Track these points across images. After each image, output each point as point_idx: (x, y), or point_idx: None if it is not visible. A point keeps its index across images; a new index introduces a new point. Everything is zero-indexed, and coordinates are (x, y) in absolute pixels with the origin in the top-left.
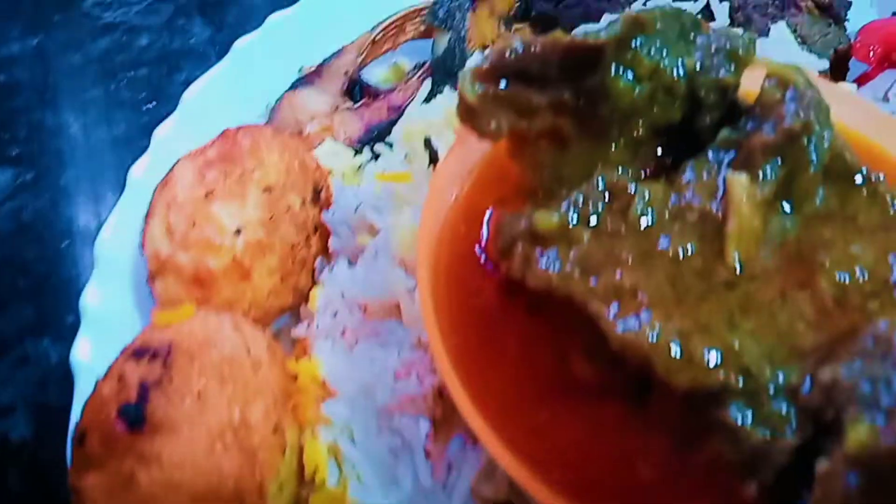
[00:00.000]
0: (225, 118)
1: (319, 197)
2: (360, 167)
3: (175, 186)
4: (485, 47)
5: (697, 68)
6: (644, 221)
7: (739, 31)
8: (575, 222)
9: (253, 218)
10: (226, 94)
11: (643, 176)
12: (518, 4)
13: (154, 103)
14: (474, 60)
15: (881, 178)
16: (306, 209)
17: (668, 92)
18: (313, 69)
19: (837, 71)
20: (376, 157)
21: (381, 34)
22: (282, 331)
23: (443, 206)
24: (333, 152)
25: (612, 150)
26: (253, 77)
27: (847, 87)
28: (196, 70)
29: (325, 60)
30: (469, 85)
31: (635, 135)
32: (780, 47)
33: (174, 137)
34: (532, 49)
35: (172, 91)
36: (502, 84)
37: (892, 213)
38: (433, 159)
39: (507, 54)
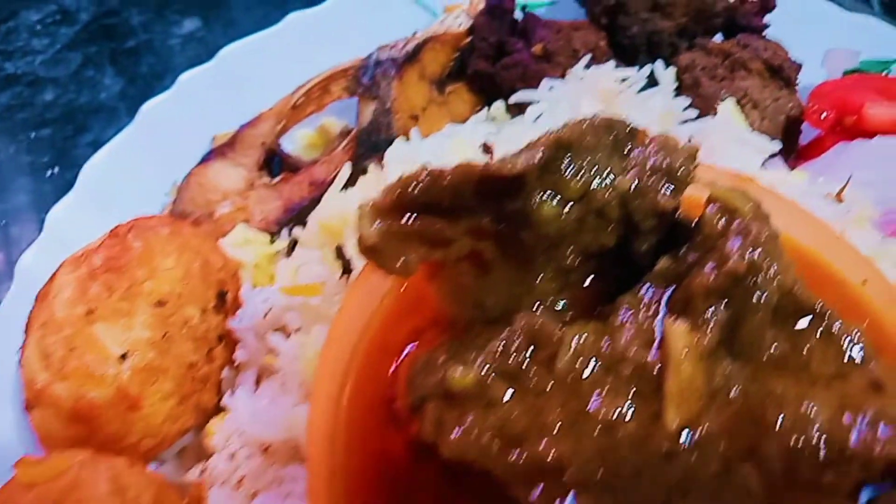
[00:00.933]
0: (127, 197)
1: (225, 301)
2: (276, 254)
3: (54, 301)
4: (414, 118)
5: (632, 189)
6: (572, 375)
7: (679, 140)
8: (493, 379)
9: (141, 339)
10: (129, 167)
11: (572, 312)
12: (452, 63)
13: (57, 168)
14: (398, 139)
15: (834, 317)
16: (208, 319)
17: (599, 215)
18: (226, 140)
19: (790, 137)
20: (293, 245)
21: (302, 98)
22: (186, 449)
23: (348, 342)
24: (246, 240)
25: (539, 278)
26: (160, 148)
27: (798, 179)
28: (105, 129)
29: (239, 129)
30: (368, 223)
31: (564, 262)
32: (728, 129)
33: (69, 220)
34: (440, 180)
35: (78, 154)
36: (408, 217)
37: (846, 358)
38: (346, 269)
39: (411, 188)
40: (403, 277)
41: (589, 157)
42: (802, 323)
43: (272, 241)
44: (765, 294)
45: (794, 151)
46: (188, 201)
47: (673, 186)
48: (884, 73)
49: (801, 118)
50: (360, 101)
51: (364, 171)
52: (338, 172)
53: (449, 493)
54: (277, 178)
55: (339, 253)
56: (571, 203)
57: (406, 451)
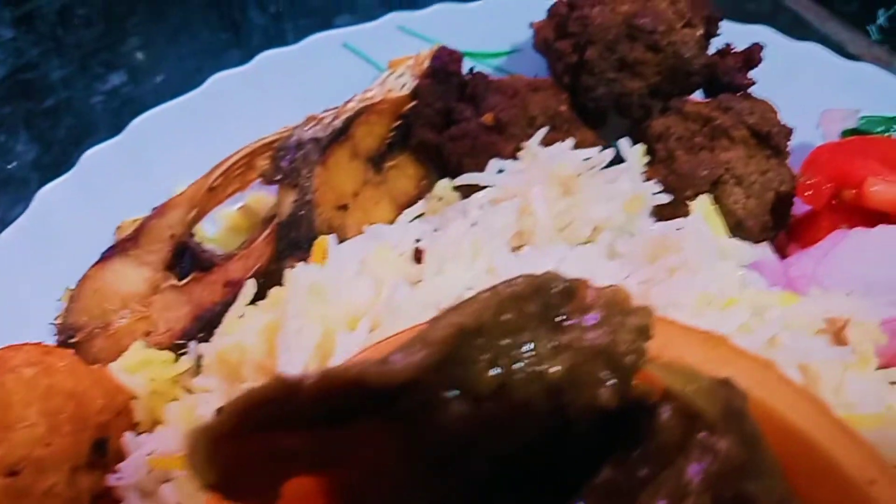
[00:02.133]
0: (12, 307)
1: (105, 451)
2: (181, 375)
3: None
4: (343, 207)
5: (564, 380)
6: None
7: (629, 300)
8: None
9: None
10: (17, 269)
11: None
12: (392, 133)
13: None
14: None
15: None
16: (78, 481)
17: (522, 413)
18: (131, 232)
19: (779, 215)
20: (198, 366)
21: (220, 179)
22: None
23: None
24: (142, 361)
25: (444, 490)
26: (55, 244)
27: (787, 305)
28: (12, 207)
29: (145, 219)
30: (201, 457)
31: (475, 469)
32: (701, 239)
33: None
34: (299, 395)
35: None
36: (257, 439)
37: None
38: None
39: (260, 408)
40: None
41: (507, 340)
42: None
43: (176, 360)
44: None
45: (784, 229)
46: (81, 312)
47: (617, 377)
48: (888, 134)
49: (792, 193)
50: (279, 189)
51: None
52: (258, 268)
53: None
54: (187, 280)
55: None
56: (483, 400)
57: None
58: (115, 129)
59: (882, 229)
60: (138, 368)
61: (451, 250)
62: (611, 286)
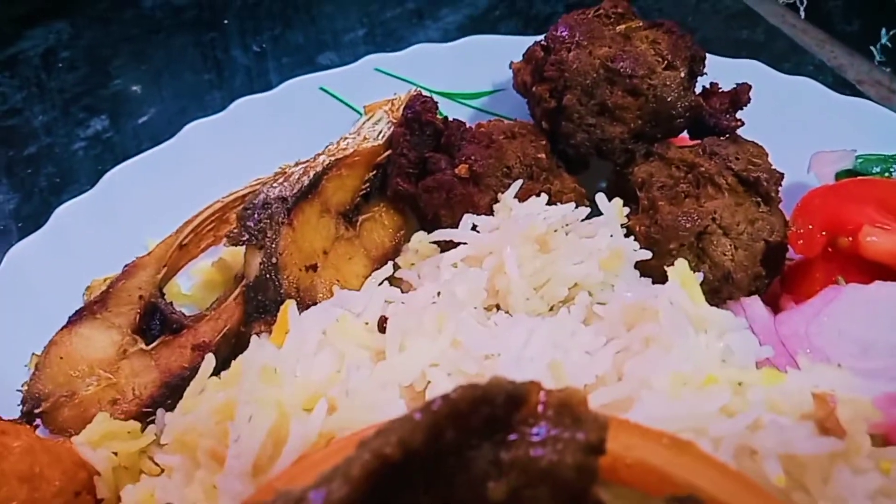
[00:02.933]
0: None
1: None
2: (146, 449)
3: None
4: (312, 267)
5: (508, 498)
6: None
7: (582, 411)
8: None
9: None
10: None
11: None
12: (366, 186)
13: None
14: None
15: None
16: None
17: None
18: (98, 294)
19: (771, 266)
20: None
21: (190, 235)
22: None
23: None
24: (106, 433)
25: None
26: (23, 307)
27: (770, 383)
28: None
29: (113, 281)
30: None
31: None
32: (676, 313)
33: None
34: None
35: None
36: None
37: None
38: None
39: None
40: None
41: (443, 463)
42: None
43: (143, 429)
44: None
45: (776, 277)
46: (47, 380)
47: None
48: (886, 175)
49: (784, 242)
50: (246, 250)
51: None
52: (226, 330)
53: None
54: (155, 343)
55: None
56: None
57: None
58: (96, 175)
59: (878, 286)
60: (102, 441)
61: (415, 322)
62: (565, 389)
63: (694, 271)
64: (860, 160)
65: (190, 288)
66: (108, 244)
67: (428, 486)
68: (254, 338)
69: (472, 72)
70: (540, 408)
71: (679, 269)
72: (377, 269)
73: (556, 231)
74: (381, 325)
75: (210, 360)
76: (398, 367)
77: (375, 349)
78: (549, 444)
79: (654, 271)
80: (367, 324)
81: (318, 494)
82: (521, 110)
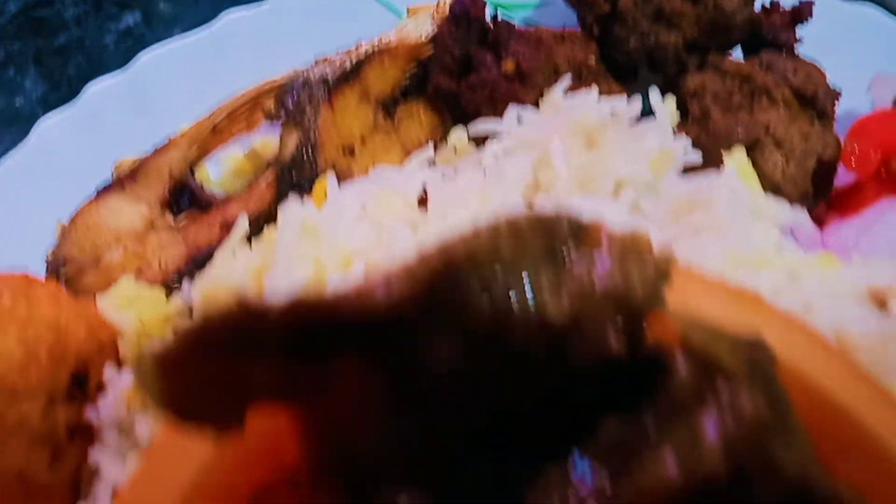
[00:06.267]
0: (4, 241)
1: (85, 385)
2: (172, 315)
3: None
4: (350, 151)
5: (567, 322)
6: None
7: (648, 243)
8: None
9: None
10: (14, 199)
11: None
12: (407, 79)
13: None
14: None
15: None
16: (54, 411)
17: (518, 357)
18: (129, 169)
19: (821, 184)
20: (189, 308)
21: (225, 119)
22: None
23: None
24: (131, 297)
25: (435, 438)
26: (50, 178)
27: (827, 269)
28: (16, 142)
29: (145, 156)
30: (151, 385)
31: (469, 417)
32: (734, 196)
33: None
34: (262, 320)
35: None
36: (213, 364)
37: None
38: None
39: (213, 331)
40: (224, 436)
41: (505, 275)
42: None
43: (168, 299)
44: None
45: (824, 199)
46: (72, 245)
47: (627, 322)
48: None
49: (836, 161)
50: (282, 129)
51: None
52: (258, 212)
53: None
54: (183, 218)
55: None
56: (476, 340)
57: None
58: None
59: None
60: (127, 305)
61: (458, 198)
62: (630, 231)
63: None
64: None
65: (219, 176)
66: (138, 126)
67: (482, 304)
68: (292, 196)
69: None
70: (604, 245)
71: (736, 158)
72: None
73: (604, 127)
74: (423, 202)
75: (244, 221)
76: (439, 235)
77: (415, 224)
78: (617, 268)
79: None
80: (407, 201)
81: (380, 289)
82: (566, 25)
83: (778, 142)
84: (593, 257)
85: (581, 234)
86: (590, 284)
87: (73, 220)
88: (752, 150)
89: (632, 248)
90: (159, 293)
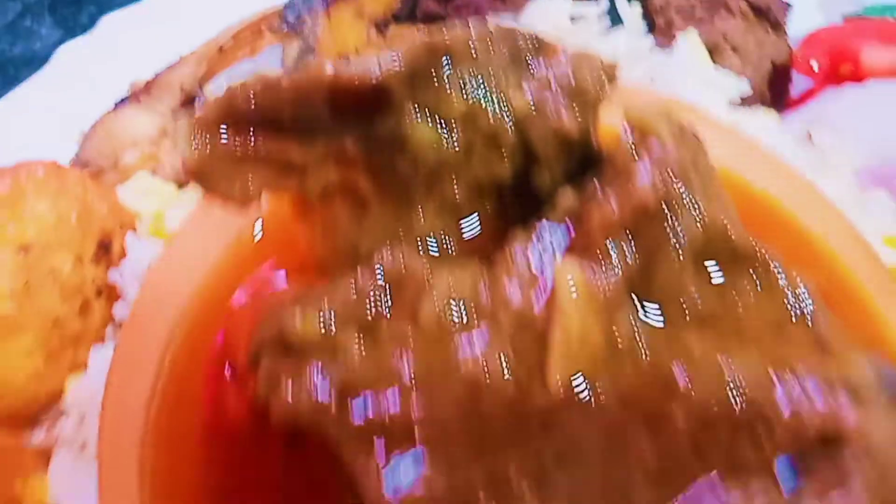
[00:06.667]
0: (31, 145)
1: (109, 251)
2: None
3: None
4: (345, 58)
5: (529, 108)
6: (439, 323)
7: (598, 56)
8: (341, 328)
9: None
10: (35, 115)
11: (456, 255)
12: (398, 5)
13: None
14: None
15: (779, 267)
16: (83, 269)
17: (490, 141)
18: (143, 85)
19: (776, 87)
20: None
21: (230, 41)
22: None
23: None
24: (147, 189)
25: (421, 216)
26: (71, 94)
27: (767, 118)
28: None
29: (158, 73)
30: (188, 141)
31: (451, 197)
32: (686, 65)
33: None
34: (279, 90)
35: None
36: (241, 135)
37: (790, 316)
38: None
39: (242, 99)
40: (243, 206)
41: (474, 69)
42: (737, 273)
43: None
44: (683, 234)
45: (781, 103)
46: (92, 150)
47: (580, 107)
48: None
49: (789, 66)
50: (284, 42)
51: None
52: None
53: (293, 460)
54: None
55: None
56: (453, 125)
57: (247, 413)
58: None
59: (873, 82)
60: (144, 194)
61: None
62: (584, 49)
63: None
64: (867, 10)
65: None
66: (151, 52)
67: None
68: None
69: None
70: (560, 55)
71: (688, 35)
72: None
73: (577, 31)
74: None
75: None
76: None
77: None
78: (571, 68)
79: None
80: None
81: (374, 66)
82: None
83: (735, 47)
84: (551, 63)
85: (541, 47)
86: (547, 81)
87: (93, 128)
88: (712, 54)
89: (584, 57)
90: (171, 187)
